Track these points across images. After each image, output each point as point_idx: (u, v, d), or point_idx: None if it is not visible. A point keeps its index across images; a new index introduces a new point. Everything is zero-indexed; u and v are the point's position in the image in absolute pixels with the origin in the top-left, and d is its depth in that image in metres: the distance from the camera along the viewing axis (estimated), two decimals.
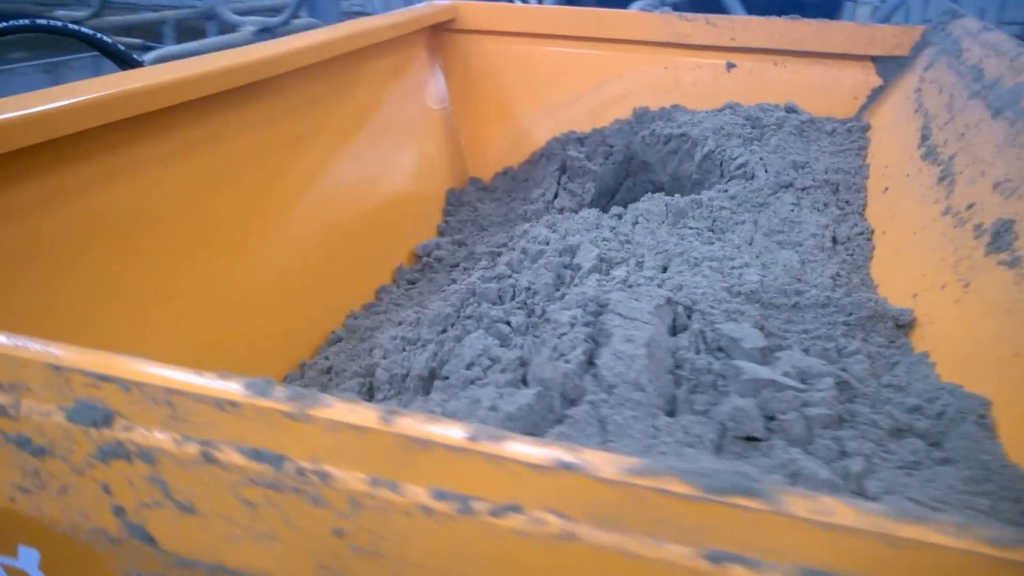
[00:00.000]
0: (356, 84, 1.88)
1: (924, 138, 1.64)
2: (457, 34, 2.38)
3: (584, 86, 2.34)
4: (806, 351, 1.15)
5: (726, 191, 1.80)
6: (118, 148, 1.21)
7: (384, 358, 1.25)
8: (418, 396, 1.18)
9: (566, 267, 1.40)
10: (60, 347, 0.57)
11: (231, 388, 0.54)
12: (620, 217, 1.64)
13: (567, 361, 1.08)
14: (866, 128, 2.05)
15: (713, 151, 1.96)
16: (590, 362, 1.08)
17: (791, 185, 1.81)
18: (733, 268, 1.41)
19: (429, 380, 1.20)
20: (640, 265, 1.42)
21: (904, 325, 1.26)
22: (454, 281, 1.69)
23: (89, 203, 1.17)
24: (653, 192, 2.06)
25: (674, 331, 1.19)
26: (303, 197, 1.65)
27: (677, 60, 2.29)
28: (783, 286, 1.35)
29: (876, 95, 2.17)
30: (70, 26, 1.79)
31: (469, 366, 1.18)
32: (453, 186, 2.19)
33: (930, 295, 1.26)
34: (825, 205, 1.75)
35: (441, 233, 2.03)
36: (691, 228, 1.63)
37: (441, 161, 2.20)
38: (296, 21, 3.85)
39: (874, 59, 2.18)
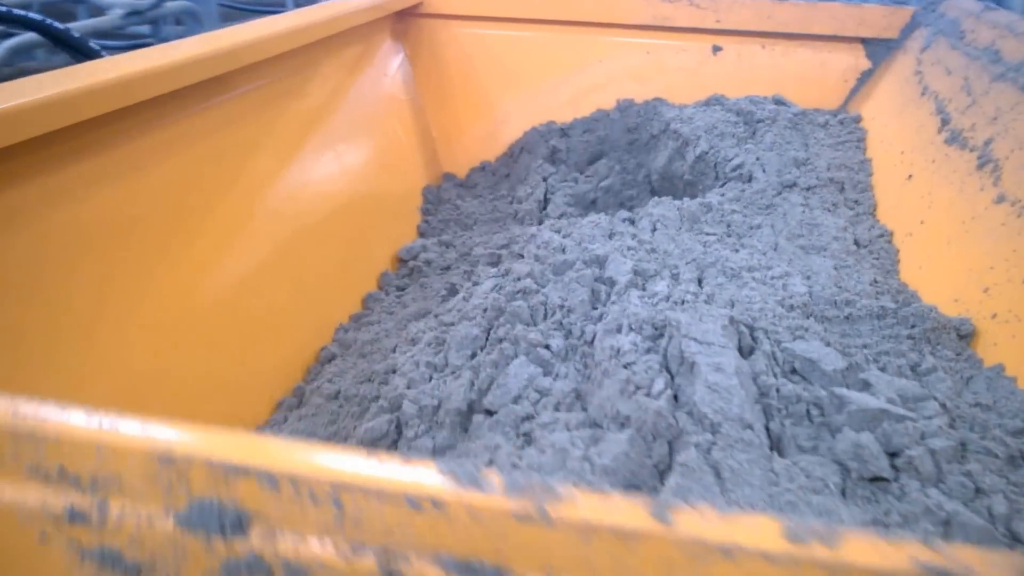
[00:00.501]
0: (317, 77, 1.70)
1: (944, 123, 1.59)
2: (425, 19, 2.21)
3: (562, 73, 2.21)
4: (883, 370, 1.07)
5: (725, 194, 1.72)
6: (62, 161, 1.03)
7: (409, 388, 1.09)
8: (458, 432, 1.04)
9: (598, 280, 1.28)
10: (169, 427, 0.41)
11: (429, 480, 0.40)
12: (634, 223, 1.54)
13: (648, 395, 0.96)
14: (858, 119, 2.01)
15: (707, 152, 1.87)
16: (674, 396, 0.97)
17: (795, 184, 1.75)
18: (774, 278, 1.33)
19: (467, 414, 1.06)
20: (676, 278, 1.32)
21: (966, 335, 1.19)
22: (452, 286, 1.54)
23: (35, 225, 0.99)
24: (640, 190, 1.98)
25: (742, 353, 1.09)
26: (273, 203, 1.47)
27: (660, 44, 2.19)
28: (832, 296, 1.27)
29: (865, 78, 2.12)
30: (14, 11, 1.54)
31: (516, 399, 1.05)
32: (428, 183, 2.03)
33: (1000, 292, 1.19)
34: (835, 205, 1.70)
35: (422, 234, 1.87)
36: (709, 234, 1.54)
37: (414, 157, 2.03)
38: (169, 4, 3.50)
39: (864, 41, 2.13)
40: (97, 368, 1.03)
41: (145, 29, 3.97)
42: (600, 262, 1.33)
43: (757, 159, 1.81)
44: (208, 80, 1.27)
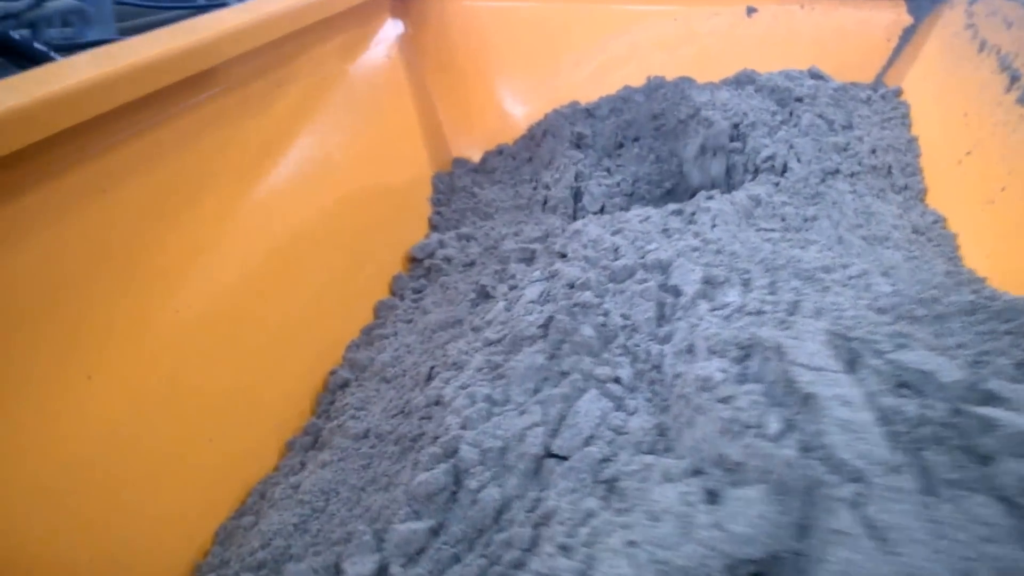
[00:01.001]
0: (309, 64, 1.48)
1: (1014, 80, 1.42)
2: None
3: (582, 47, 2.01)
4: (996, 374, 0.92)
5: (766, 186, 1.55)
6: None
7: (465, 428, 0.90)
8: (531, 481, 0.86)
9: (663, 289, 1.10)
10: None
11: None
12: (690, 219, 1.35)
13: (762, 436, 0.79)
14: (899, 93, 1.84)
15: (740, 141, 1.69)
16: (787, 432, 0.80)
17: (838, 171, 1.60)
18: (853, 278, 1.18)
19: (539, 459, 0.88)
20: (748, 284, 1.14)
21: None
22: (482, 288, 1.35)
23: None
24: (679, 181, 1.79)
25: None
26: (262, 208, 1.26)
27: (689, 8, 1.99)
28: (917, 294, 1.13)
29: (908, 36, 1.93)
30: None
31: (589, 440, 0.89)
32: (437, 170, 1.83)
33: None
34: (883, 191, 1.56)
35: (435, 227, 1.67)
36: (768, 230, 1.38)
37: (420, 143, 1.82)
38: (51, 4, 3.05)
39: None
40: (72, 416, 0.87)
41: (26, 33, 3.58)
42: (663, 267, 1.15)
43: (791, 147, 1.65)
44: (186, 79, 1.07)
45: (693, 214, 1.38)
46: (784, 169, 1.61)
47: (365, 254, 1.48)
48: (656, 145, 1.80)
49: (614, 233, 1.30)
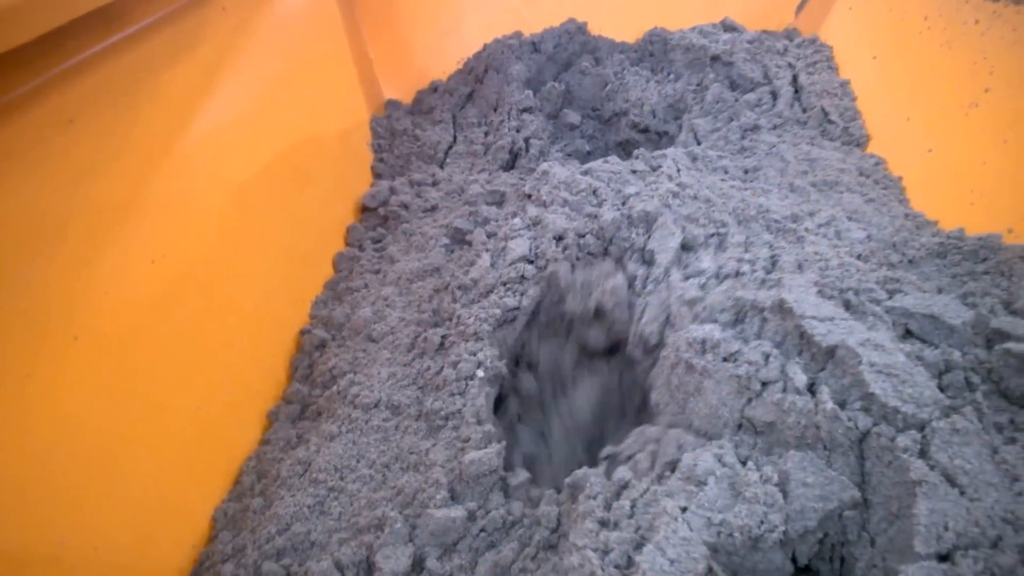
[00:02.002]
0: (216, 10, 1.26)
1: None
2: None
3: None
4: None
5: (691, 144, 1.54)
6: None
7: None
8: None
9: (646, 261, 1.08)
10: None
11: None
12: (652, 163, 1.31)
13: (791, 391, 0.78)
14: (815, 40, 1.82)
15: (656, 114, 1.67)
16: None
17: (757, 127, 1.57)
18: (822, 226, 1.18)
19: None
20: (722, 244, 1.13)
21: None
22: (457, 231, 1.28)
23: None
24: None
25: None
26: (202, 162, 1.10)
27: None
28: (889, 239, 1.14)
29: None
30: None
31: None
32: (372, 114, 1.70)
33: None
34: (813, 139, 1.53)
35: (379, 175, 1.56)
36: (726, 176, 1.36)
37: (353, 86, 1.67)
38: None
39: None
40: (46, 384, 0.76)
41: None
42: (649, 222, 1.12)
43: (718, 104, 1.62)
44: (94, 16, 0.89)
45: (655, 159, 1.35)
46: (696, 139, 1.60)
47: (313, 205, 1.36)
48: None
49: (585, 174, 1.26)
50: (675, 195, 1.18)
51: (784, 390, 0.79)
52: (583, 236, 1.09)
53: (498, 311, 1.00)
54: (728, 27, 1.86)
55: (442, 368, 0.95)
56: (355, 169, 1.55)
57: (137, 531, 0.82)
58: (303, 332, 1.18)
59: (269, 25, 1.34)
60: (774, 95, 1.63)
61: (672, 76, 1.72)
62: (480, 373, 0.92)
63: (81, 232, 0.83)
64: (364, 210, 1.46)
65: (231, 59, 1.21)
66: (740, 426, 0.81)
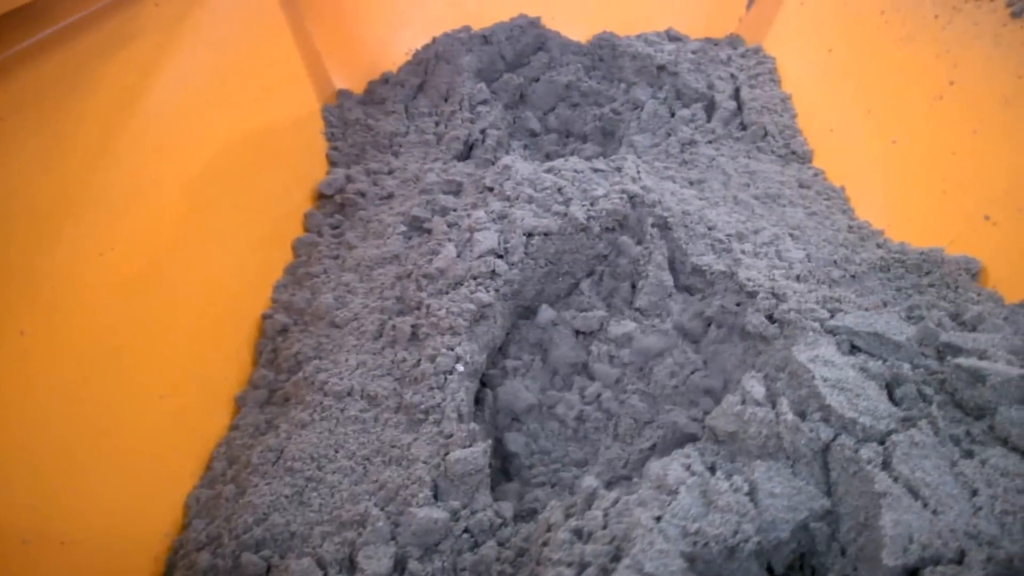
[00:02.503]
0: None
1: None
2: None
3: None
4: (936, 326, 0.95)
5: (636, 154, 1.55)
6: None
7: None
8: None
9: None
10: None
11: None
12: (614, 165, 1.32)
13: (752, 404, 0.80)
14: (759, 51, 1.87)
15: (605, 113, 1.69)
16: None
17: (693, 141, 1.59)
18: (763, 245, 1.19)
19: None
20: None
21: (975, 273, 1.07)
22: (415, 219, 1.27)
23: None
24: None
25: None
26: (159, 150, 1.07)
27: None
28: (830, 256, 1.16)
29: None
30: None
31: None
32: (324, 104, 1.66)
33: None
34: (748, 152, 1.56)
35: (334, 163, 1.53)
36: (679, 182, 1.39)
37: (301, 75, 1.63)
38: None
39: None
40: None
41: None
42: (622, 222, 1.14)
43: (656, 112, 1.64)
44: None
45: (614, 161, 1.36)
46: (669, 134, 1.61)
47: (270, 192, 1.33)
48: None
49: (549, 171, 1.27)
50: (641, 200, 1.20)
51: (743, 402, 0.81)
52: (550, 235, 1.10)
53: (472, 306, 0.99)
54: (672, 37, 1.90)
55: (419, 360, 0.94)
56: (310, 157, 1.52)
57: (107, 521, 0.79)
58: (265, 316, 1.15)
59: (207, 18, 1.29)
60: (712, 107, 1.66)
61: (623, 86, 1.73)
62: (460, 368, 0.92)
63: (22, 230, 0.79)
64: (321, 197, 1.44)
65: (170, 53, 1.16)
66: (704, 436, 0.82)
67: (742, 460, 0.77)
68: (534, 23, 1.80)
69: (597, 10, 1.96)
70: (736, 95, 1.69)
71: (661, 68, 1.71)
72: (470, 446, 0.81)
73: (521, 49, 1.78)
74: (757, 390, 0.82)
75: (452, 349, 0.94)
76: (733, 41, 1.93)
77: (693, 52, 1.81)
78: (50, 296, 0.80)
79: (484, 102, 1.60)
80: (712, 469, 0.76)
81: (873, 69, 1.43)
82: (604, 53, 1.81)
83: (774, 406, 0.79)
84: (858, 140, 1.41)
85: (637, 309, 1.12)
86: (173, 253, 1.03)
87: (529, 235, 1.10)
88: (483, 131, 1.53)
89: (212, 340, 1.04)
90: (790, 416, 0.76)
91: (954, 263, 1.08)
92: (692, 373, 1.02)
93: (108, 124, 0.97)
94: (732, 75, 1.74)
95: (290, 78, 1.58)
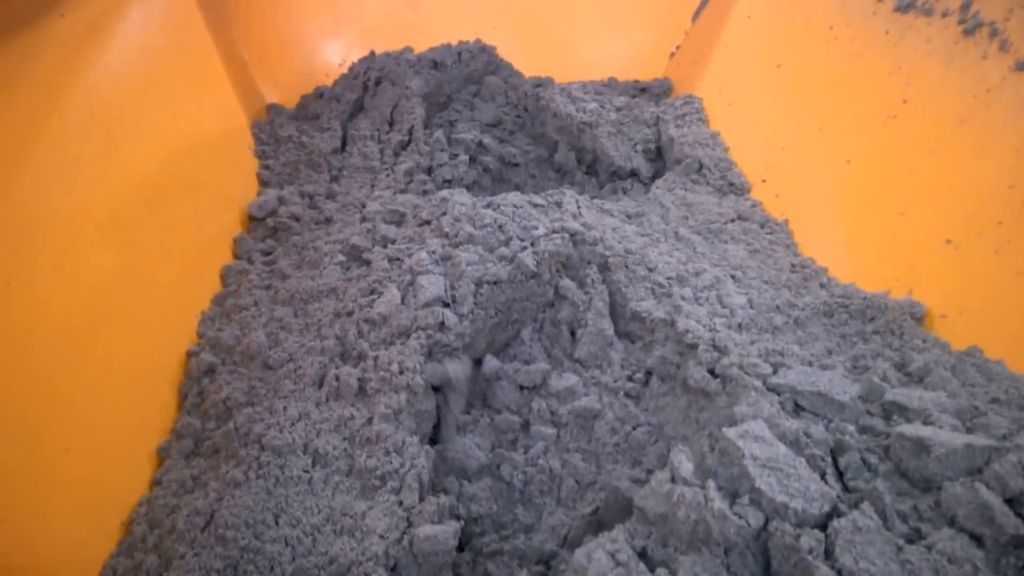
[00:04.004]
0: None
1: None
2: None
3: None
4: (883, 378, 0.90)
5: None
6: None
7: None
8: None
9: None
10: None
11: None
12: (560, 205, 1.27)
13: (680, 482, 0.75)
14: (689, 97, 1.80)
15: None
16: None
17: (636, 174, 1.58)
18: (704, 289, 1.14)
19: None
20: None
21: (920, 318, 1.03)
22: (354, 248, 1.18)
23: None
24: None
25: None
26: (70, 167, 0.95)
27: None
28: (772, 301, 1.11)
29: None
30: None
31: None
32: (254, 118, 1.55)
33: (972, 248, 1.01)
34: (685, 185, 1.51)
35: (265, 183, 1.42)
36: (619, 218, 1.35)
37: (227, 87, 1.50)
38: None
39: None
40: None
41: None
42: (564, 263, 1.09)
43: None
44: None
45: (552, 195, 1.31)
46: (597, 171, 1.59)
47: (195, 211, 1.21)
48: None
49: (488, 206, 1.20)
50: (582, 238, 1.15)
51: (672, 479, 0.74)
52: (500, 283, 1.04)
53: (422, 358, 0.92)
54: (597, 91, 1.82)
55: (371, 419, 0.85)
56: (239, 176, 1.40)
57: None
58: (190, 354, 1.04)
59: (120, 28, 1.16)
60: (634, 174, 1.61)
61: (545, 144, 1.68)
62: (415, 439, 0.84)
63: None
64: (251, 220, 1.32)
65: (79, 67, 1.04)
66: (630, 517, 0.75)
67: (674, 543, 0.70)
68: (486, 50, 1.73)
69: (536, 37, 1.90)
70: (659, 138, 1.65)
71: (582, 128, 1.63)
72: (439, 522, 0.73)
73: (468, 75, 1.71)
74: (685, 467, 0.75)
75: (404, 410, 0.86)
76: (662, 83, 1.89)
77: (618, 109, 1.72)
78: None
79: (439, 126, 1.52)
80: (643, 554, 0.70)
81: (824, 86, 1.38)
82: (529, 104, 1.73)
83: (703, 486, 0.72)
84: (809, 160, 1.36)
85: (577, 360, 1.07)
86: (85, 281, 0.91)
87: (478, 284, 1.03)
88: (431, 167, 1.45)
89: (130, 381, 0.93)
90: (716, 503, 0.68)
91: (899, 308, 1.03)
92: (634, 429, 0.97)
93: (13, 147, 0.85)
94: (658, 118, 1.70)
95: (215, 90, 1.45)
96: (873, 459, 0.79)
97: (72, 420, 0.82)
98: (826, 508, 0.70)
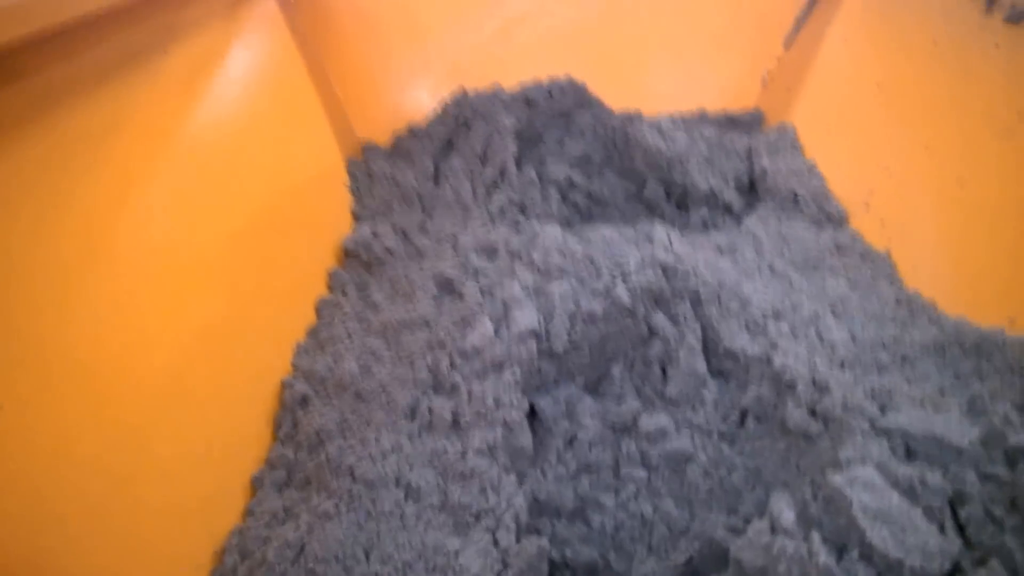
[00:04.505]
0: (199, 26, 1.14)
1: (991, 0, 1.18)
2: None
3: (484, 5, 1.78)
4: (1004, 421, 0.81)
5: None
6: None
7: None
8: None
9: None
10: None
11: None
12: (651, 238, 1.24)
13: (781, 533, 0.71)
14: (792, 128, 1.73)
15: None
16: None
17: (728, 207, 1.53)
18: (803, 324, 1.08)
19: None
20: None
21: None
22: (447, 281, 1.18)
23: None
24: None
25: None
26: (178, 200, 0.98)
27: None
28: (877, 337, 1.04)
29: None
30: None
31: None
32: (348, 156, 1.58)
33: None
34: (780, 216, 1.44)
35: (358, 218, 1.45)
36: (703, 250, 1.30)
37: (323, 126, 1.54)
38: None
39: None
40: None
41: None
42: (655, 297, 1.06)
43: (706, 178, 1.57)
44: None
45: (642, 227, 1.28)
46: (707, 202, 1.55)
47: (293, 249, 1.23)
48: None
49: (577, 238, 1.18)
50: (674, 271, 1.12)
51: (772, 530, 0.70)
52: (592, 320, 1.02)
53: (518, 393, 0.90)
54: (686, 124, 1.75)
55: (465, 453, 0.84)
56: (334, 213, 1.43)
57: None
58: (285, 385, 1.06)
59: (224, 68, 1.19)
60: (727, 207, 1.56)
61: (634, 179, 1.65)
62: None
63: (24, 298, 0.70)
64: (346, 255, 1.35)
65: (203, 85, 1.08)
66: (725, 566, 0.72)
67: None
68: (576, 86, 1.71)
69: (627, 74, 1.88)
70: (751, 172, 1.59)
71: (671, 163, 1.58)
72: (537, 566, 0.71)
73: (559, 111, 1.71)
74: (786, 516, 0.71)
75: (500, 446, 0.84)
76: (754, 116, 1.84)
77: (708, 142, 1.66)
78: (53, 367, 0.71)
79: (524, 171, 1.53)
80: None
81: (930, 104, 1.29)
82: (618, 138, 1.69)
83: (806, 537, 0.68)
84: (917, 182, 1.27)
85: (668, 399, 1.03)
86: (186, 317, 0.93)
87: (572, 319, 1.01)
88: (523, 205, 1.45)
89: (230, 411, 0.95)
90: (822, 557, 0.64)
91: (1018, 345, 0.94)
92: (729, 473, 0.92)
93: (121, 186, 0.88)
94: (750, 149, 1.64)
95: (313, 130, 1.49)
96: (998, 511, 0.72)
97: (171, 446, 0.83)
98: (947, 566, 0.64)
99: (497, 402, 0.89)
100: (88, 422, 0.72)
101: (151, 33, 1.01)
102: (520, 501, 0.78)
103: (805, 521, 0.71)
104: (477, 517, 0.78)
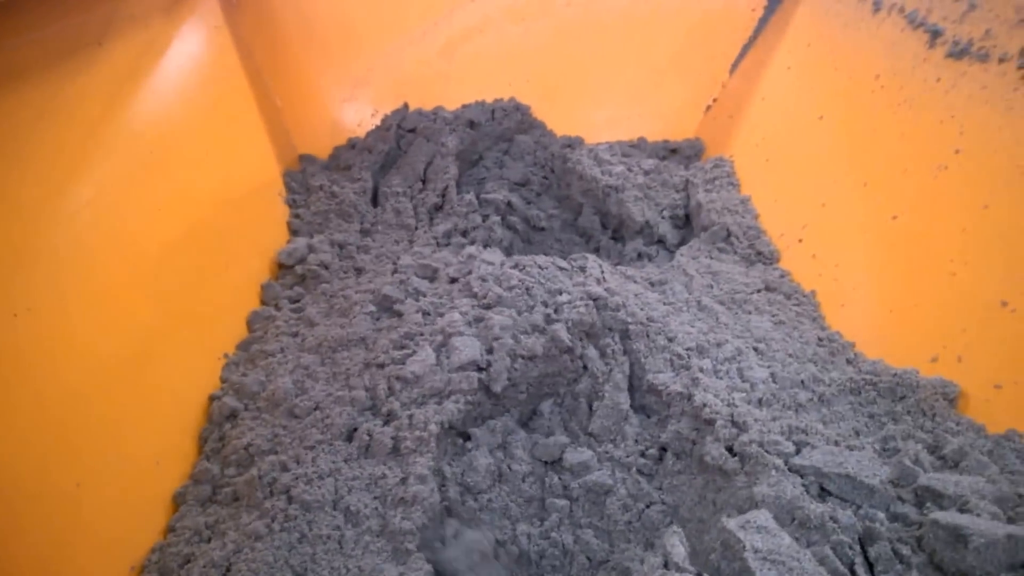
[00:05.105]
0: (139, 22, 1.11)
1: (935, 35, 1.21)
2: None
3: (429, 18, 1.77)
4: (914, 461, 0.85)
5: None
6: None
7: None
8: None
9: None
10: None
11: None
12: (584, 270, 1.26)
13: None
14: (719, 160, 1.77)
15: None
16: None
17: (662, 240, 1.56)
18: (725, 361, 1.10)
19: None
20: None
21: (953, 399, 0.97)
22: (386, 298, 1.17)
23: None
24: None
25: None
26: (104, 199, 0.94)
27: None
28: (796, 375, 1.07)
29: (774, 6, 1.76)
30: None
31: None
32: (285, 168, 1.56)
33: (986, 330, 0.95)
34: (710, 252, 1.48)
35: (295, 231, 1.43)
36: (634, 283, 1.33)
37: (261, 136, 1.50)
38: None
39: None
40: None
41: None
42: (589, 332, 1.08)
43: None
44: None
45: (576, 260, 1.30)
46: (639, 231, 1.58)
47: (225, 257, 1.20)
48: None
49: (514, 267, 1.20)
50: (605, 303, 1.15)
51: (665, 565, 0.71)
52: (531, 359, 1.03)
53: (460, 423, 0.90)
54: (625, 153, 1.80)
55: (405, 479, 0.83)
56: (269, 224, 1.40)
57: None
58: (213, 398, 1.02)
59: (161, 65, 1.16)
60: (660, 240, 1.59)
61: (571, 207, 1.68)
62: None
63: None
64: (280, 267, 1.32)
65: (138, 81, 1.04)
66: None
67: None
68: (520, 109, 1.73)
69: (569, 98, 1.89)
70: (687, 205, 1.63)
71: (607, 192, 1.62)
72: None
73: (501, 133, 1.72)
74: (678, 552, 0.72)
75: (424, 480, 0.83)
76: (694, 144, 1.88)
77: (646, 173, 1.70)
78: None
79: (464, 193, 1.53)
80: None
81: (869, 137, 1.30)
82: (556, 165, 1.72)
83: (699, 574, 0.69)
84: (852, 217, 1.29)
85: (590, 434, 1.04)
86: (111, 319, 0.89)
87: (513, 357, 1.02)
88: (466, 230, 1.46)
89: (152, 423, 0.91)
90: None
91: (931, 387, 0.98)
92: (647, 507, 0.94)
93: (49, 181, 0.85)
94: (687, 182, 1.68)
95: (249, 137, 1.45)
96: (905, 550, 0.75)
97: (86, 457, 0.79)
98: None
99: (438, 430, 0.88)
100: None
101: (85, 24, 0.97)
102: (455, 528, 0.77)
103: (701, 557, 0.72)
104: (415, 544, 0.77)
